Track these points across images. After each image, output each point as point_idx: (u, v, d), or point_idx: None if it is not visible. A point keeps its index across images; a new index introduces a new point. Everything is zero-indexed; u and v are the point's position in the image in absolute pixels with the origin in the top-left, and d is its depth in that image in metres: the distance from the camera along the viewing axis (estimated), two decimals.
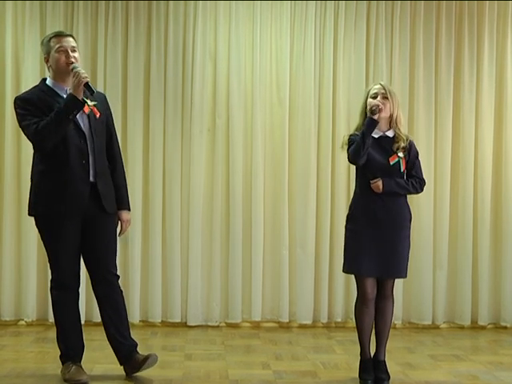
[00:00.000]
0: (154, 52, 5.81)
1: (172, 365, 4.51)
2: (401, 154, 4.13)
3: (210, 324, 5.82)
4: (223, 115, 5.85)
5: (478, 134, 6.00)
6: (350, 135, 4.20)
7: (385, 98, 4.13)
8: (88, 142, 3.96)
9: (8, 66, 5.75)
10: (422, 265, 5.89)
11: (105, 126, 4.11)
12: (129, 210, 4.23)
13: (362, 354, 4.21)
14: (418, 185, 4.22)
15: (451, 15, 6.00)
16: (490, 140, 6.00)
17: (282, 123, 5.87)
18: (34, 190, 4.01)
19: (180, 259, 5.81)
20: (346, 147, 4.18)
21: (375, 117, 4.05)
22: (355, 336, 4.24)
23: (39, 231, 4.07)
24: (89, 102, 3.97)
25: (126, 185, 4.23)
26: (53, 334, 5.39)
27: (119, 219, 4.17)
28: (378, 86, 4.19)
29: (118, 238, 4.19)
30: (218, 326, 5.81)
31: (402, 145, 4.14)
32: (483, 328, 5.96)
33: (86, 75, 3.86)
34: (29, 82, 5.69)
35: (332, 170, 5.88)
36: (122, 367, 4.15)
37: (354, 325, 4.25)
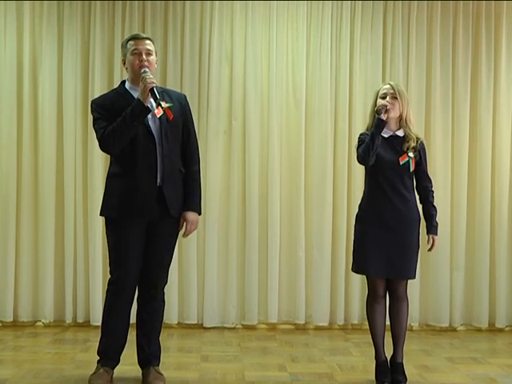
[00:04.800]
0: (171, 53, 5.81)
1: (188, 366, 4.53)
2: (411, 154, 4.13)
3: (226, 326, 5.82)
4: (239, 117, 5.85)
5: (495, 134, 5.97)
6: (360, 134, 4.24)
7: (394, 98, 4.12)
8: (157, 146, 3.90)
9: (25, 67, 5.75)
10: (439, 266, 5.87)
11: (180, 128, 4.02)
12: (197, 212, 4.07)
13: (376, 355, 4.21)
14: (434, 195, 4.28)
15: (468, 15, 5.96)
16: (508, 140, 5.96)
17: (299, 125, 5.86)
18: (105, 191, 4.04)
19: (196, 261, 5.81)
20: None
21: (383, 117, 4.04)
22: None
23: (106, 232, 4.07)
24: (163, 104, 3.91)
25: (198, 188, 4.09)
26: (70, 335, 5.49)
27: (184, 220, 4.04)
28: (388, 86, 4.18)
29: (177, 241, 4.14)
30: (234, 328, 5.81)
31: (413, 144, 4.14)
32: (501, 330, 5.91)
33: (153, 81, 3.81)
34: (46, 83, 5.76)
35: (348, 171, 5.87)
36: (139, 368, 4.15)
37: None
